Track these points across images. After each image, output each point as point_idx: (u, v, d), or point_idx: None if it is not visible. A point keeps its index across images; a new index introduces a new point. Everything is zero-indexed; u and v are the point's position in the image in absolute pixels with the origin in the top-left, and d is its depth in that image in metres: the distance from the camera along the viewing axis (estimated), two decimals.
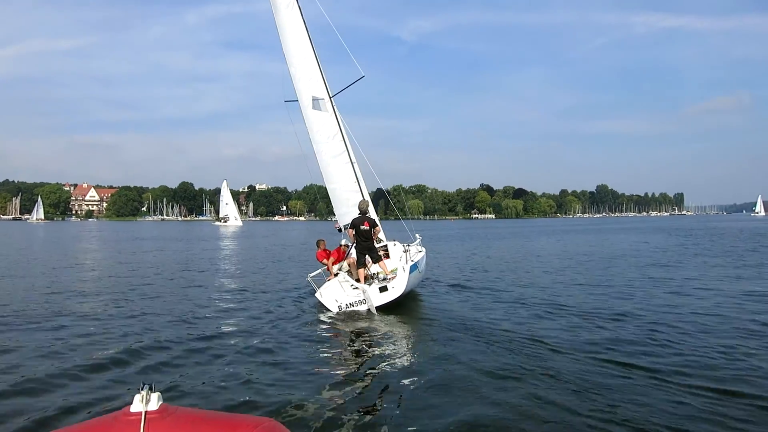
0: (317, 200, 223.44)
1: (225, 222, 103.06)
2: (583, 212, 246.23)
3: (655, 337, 8.48)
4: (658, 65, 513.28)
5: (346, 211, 13.69)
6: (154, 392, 2.57)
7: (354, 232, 11.76)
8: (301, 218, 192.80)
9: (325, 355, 8.05)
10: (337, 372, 7.08)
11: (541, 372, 6.73)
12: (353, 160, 14.03)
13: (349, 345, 8.79)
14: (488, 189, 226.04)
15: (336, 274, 12.01)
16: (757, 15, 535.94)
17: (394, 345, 8.60)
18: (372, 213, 14.19)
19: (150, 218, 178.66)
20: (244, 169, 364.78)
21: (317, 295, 11.20)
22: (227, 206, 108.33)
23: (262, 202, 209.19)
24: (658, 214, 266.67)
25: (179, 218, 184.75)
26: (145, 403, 2.51)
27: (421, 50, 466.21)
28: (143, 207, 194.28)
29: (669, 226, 74.67)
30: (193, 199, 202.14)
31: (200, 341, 8.52)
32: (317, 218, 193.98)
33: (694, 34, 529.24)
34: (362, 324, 10.01)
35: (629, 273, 17.68)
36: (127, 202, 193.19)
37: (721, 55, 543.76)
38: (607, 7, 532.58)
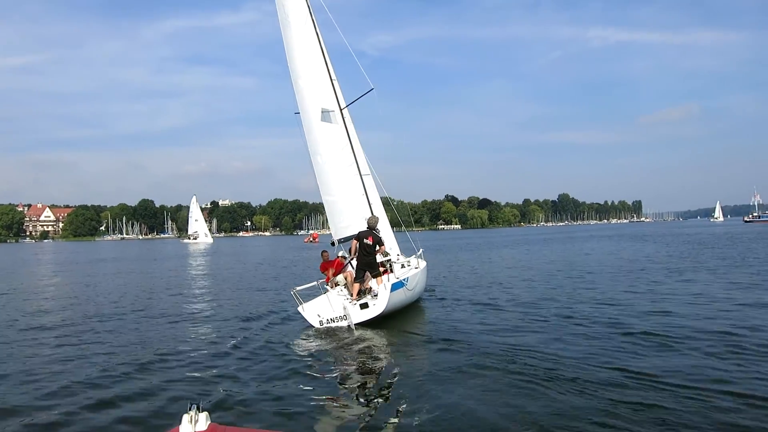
0: (282, 215, 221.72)
1: (195, 239, 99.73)
2: (546, 221, 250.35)
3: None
4: (613, 77, 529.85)
5: (347, 223, 13.61)
6: (202, 411, 2.48)
7: (357, 245, 11.72)
8: (267, 233, 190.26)
9: (332, 372, 7.77)
10: (352, 390, 6.91)
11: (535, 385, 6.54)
12: (364, 171, 14.15)
13: (349, 363, 8.39)
14: (453, 200, 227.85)
15: (336, 284, 11.91)
16: (705, 30, 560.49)
17: (389, 360, 8.40)
18: (386, 229, 14.65)
19: (109, 237, 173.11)
20: (206, 185, 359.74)
21: (300, 309, 10.99)
22: (197, 222, 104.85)
23: (226, 218, 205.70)
24: (618, 221, 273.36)
25: (140, 237, 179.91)
26: (193, 423, 2.42)
27: (384, 64, 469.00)
28: (102, 226, 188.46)
29: (650, 232, 75.21)
30: (154, 217, 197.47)
31: (204, 358, 8.37)
32: (283, 233, 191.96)
33: (646, 47, 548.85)
34: (353, 339, 9.76)
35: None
36: (85, 222, 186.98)
37: (672, 68, 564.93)
38: (563, 21, 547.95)
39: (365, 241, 11.57)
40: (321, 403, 6.29)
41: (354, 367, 8.02)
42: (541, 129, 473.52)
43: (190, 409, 2.49)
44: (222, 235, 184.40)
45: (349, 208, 13.77)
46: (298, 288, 11.40)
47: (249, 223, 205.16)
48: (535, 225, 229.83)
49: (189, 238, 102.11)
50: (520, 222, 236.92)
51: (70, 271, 31.38)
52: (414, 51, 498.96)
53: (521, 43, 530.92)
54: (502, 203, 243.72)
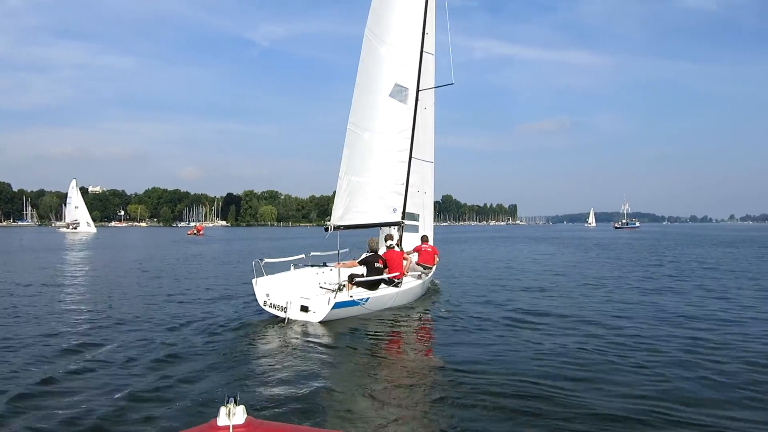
0: (161, 204, 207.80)
1: (74, 228, 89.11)
2: None
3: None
4: (495, 87, 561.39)
5: (365, 209, 12.83)
6: (239, 405, 2.46)
7: (366, 269, 11.40)
8: (143, 224, 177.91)
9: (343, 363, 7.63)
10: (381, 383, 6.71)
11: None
12: (428, 158, 13.87)
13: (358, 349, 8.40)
14: None
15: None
16: (577, 51, 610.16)
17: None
18: (429, 224, 14.54)
19: None
20: (73, 170, 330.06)
21: (253, 281, 10.51)
22: (77, 210, 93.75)
23: (96, 206, 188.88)
24: (496, 223, 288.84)
25: None
26: (230, 416, 2.42)
27: (274, 55, 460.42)
28: None
29: (546, 235, 78.34)
30: (11, 202, 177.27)
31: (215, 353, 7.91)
32: (161, 224, 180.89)
33: (525, 62, 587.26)
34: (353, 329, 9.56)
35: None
36: None
37: (547, 83, 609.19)
38: (451, 30, 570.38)
39: (376, 264, 11.35)
40: (352, 399, 6.11)
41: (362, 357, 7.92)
42: None
43: (227, 403, 2.46)
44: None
45: (376, 193, 12.84)
46: (266, 259, 10.83)
47: (123, 213, 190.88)
48: None
49: (68, 227, 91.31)
50: None
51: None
52: (306, 45, 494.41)
53: None
54: None
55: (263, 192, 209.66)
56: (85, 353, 7.85)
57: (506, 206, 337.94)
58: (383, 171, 12.89)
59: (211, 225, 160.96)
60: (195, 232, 75.43)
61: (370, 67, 12.32)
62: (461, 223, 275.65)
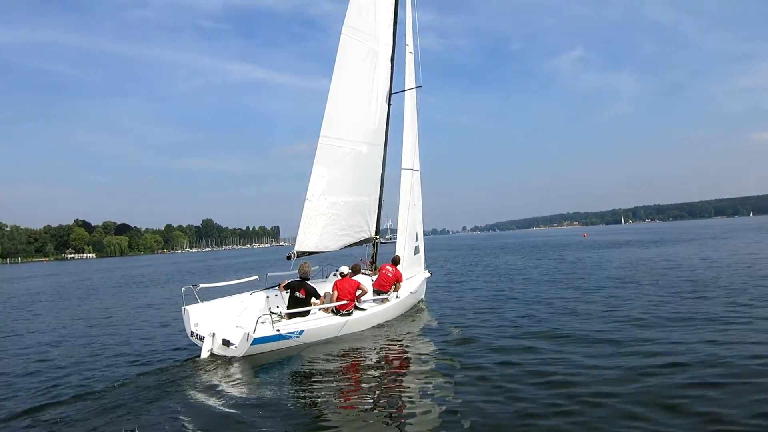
0: None
1: None
2: (191, 246, 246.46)
3: None
4: (250, 110, 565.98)
5: (338, 228, 12.12)
6: None
7: (288, 295, 10.61)
8: None
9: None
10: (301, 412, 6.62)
11: None
12: (415, 167, 13.23)
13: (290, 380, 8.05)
14: (85, 225, 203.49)
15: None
16: (326, 78, 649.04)
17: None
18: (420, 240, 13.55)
19: None
20: None
21: (182, 309, 9.67)
22: None
23: None
24: (260, 246, 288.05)
25: None
26: None
27: None
28: None
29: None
30: None
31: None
32: None
33: (280, 87, 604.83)
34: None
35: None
36: None
37: (298, 108, 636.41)
38: (204, 51, 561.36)
39: (297, 293, 10.47)
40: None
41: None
42: (182, 154, 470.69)
43: None
44: None
45: (350, 211, 12.03)
46: (202, 285, 10.03)
47: None
48: (179, 251, 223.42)
49: None
50: (163, 248, 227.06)
51: None
52: (31, 54, 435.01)
53: (161, 66, 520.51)
54: (143, 229, 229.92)
55: None
56: None
57: (269, 228, 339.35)
58: (362, 185, 12.10)
59: None
60: None
61: (350, 70, 11.38)
62: (224, 247, 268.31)
